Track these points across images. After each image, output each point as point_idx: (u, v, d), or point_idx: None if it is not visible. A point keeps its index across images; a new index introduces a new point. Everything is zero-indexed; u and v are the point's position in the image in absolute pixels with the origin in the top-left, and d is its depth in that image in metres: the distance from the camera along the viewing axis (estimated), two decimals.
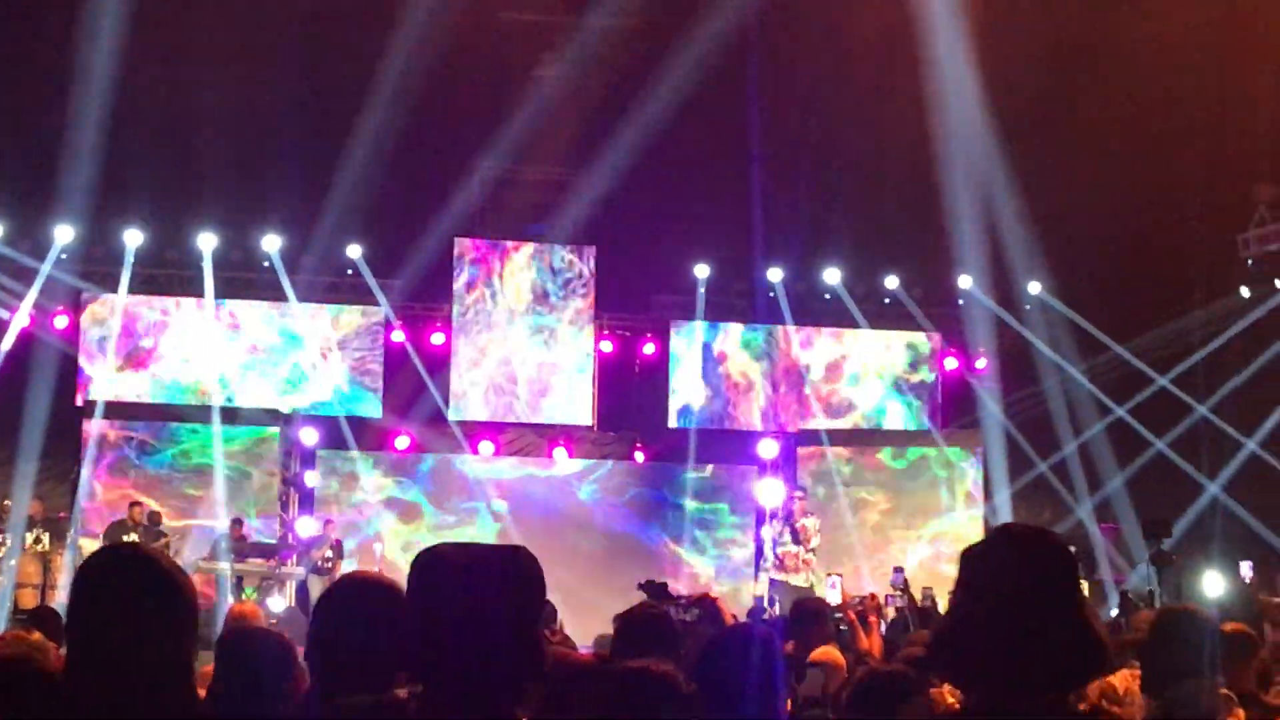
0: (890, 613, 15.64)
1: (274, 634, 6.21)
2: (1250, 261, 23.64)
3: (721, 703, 4.08)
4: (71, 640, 3.31)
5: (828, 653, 8.41)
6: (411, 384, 23.43)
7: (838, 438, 23.63)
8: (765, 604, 19.28)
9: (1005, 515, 22.50)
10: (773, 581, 19.59)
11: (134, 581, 3.27)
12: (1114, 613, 19.04)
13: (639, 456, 24.25)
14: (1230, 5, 20.90)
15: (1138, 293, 23.73)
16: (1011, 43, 20.68)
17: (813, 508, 20.83)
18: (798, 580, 19.26)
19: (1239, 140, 22.31)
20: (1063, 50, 21.15)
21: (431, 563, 3.22)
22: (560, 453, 23.77)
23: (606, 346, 24.55)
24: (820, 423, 24.28)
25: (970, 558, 3.33)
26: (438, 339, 23.75)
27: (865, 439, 24.11)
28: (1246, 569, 19.98)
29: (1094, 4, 21.96)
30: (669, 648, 5.78)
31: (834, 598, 9.75)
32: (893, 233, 23.91)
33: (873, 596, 13.13)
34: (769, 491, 23.13)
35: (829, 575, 17.64)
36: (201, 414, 22.12)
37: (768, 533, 19.99)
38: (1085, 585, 21.18)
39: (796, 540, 19.41)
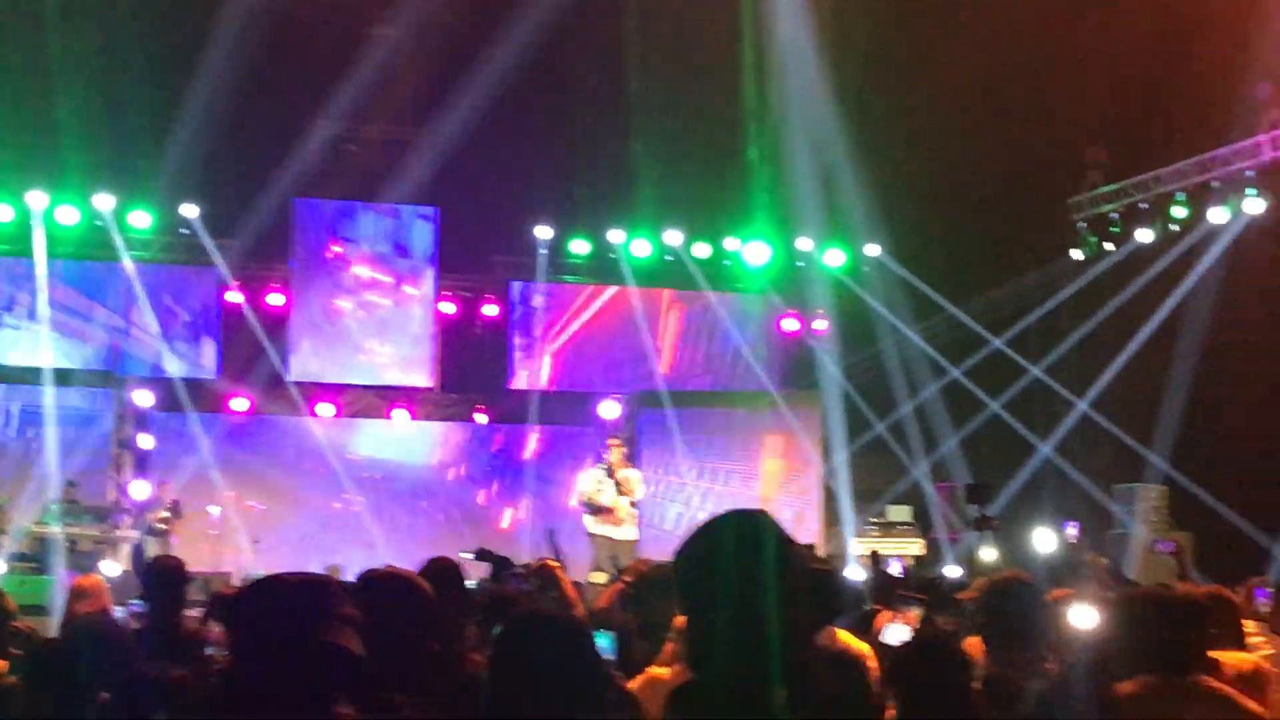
0: None
1: None
2: (1081, 224, 24.05)
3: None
4: None
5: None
6: (249, 346, 23.16)
7: (677, 399, 23.70)
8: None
9: (843, 476, 22.76)
10: (595, 536, 19.28)
11: None
12: (947, 572, 19.39)
13: (481, 418, 24.22)
14: None
15: (973, 255, 24.04)
16: (846, 2, 20.85)
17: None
18: (623, 534, 19.07)
19: (1070, 103, 22.64)
20: (896, 11, 21.35)
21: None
22: (400, 414, 23.67)
23: (448, 307, 24.41)
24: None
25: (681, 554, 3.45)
26: (276, 300, 23.48)
27: (704, 400, 24.24)
28: (1073, 530, 20.37)
29: None
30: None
31: None
32: (734, 195, 23.97)
33: None
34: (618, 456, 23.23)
35: None
36: (31, 375, 21.79)
37: (584, 481, 19.67)
38: (919, 544, 21.63)
39: (620, 492, 19.15)
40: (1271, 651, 7.89)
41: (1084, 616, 6.18)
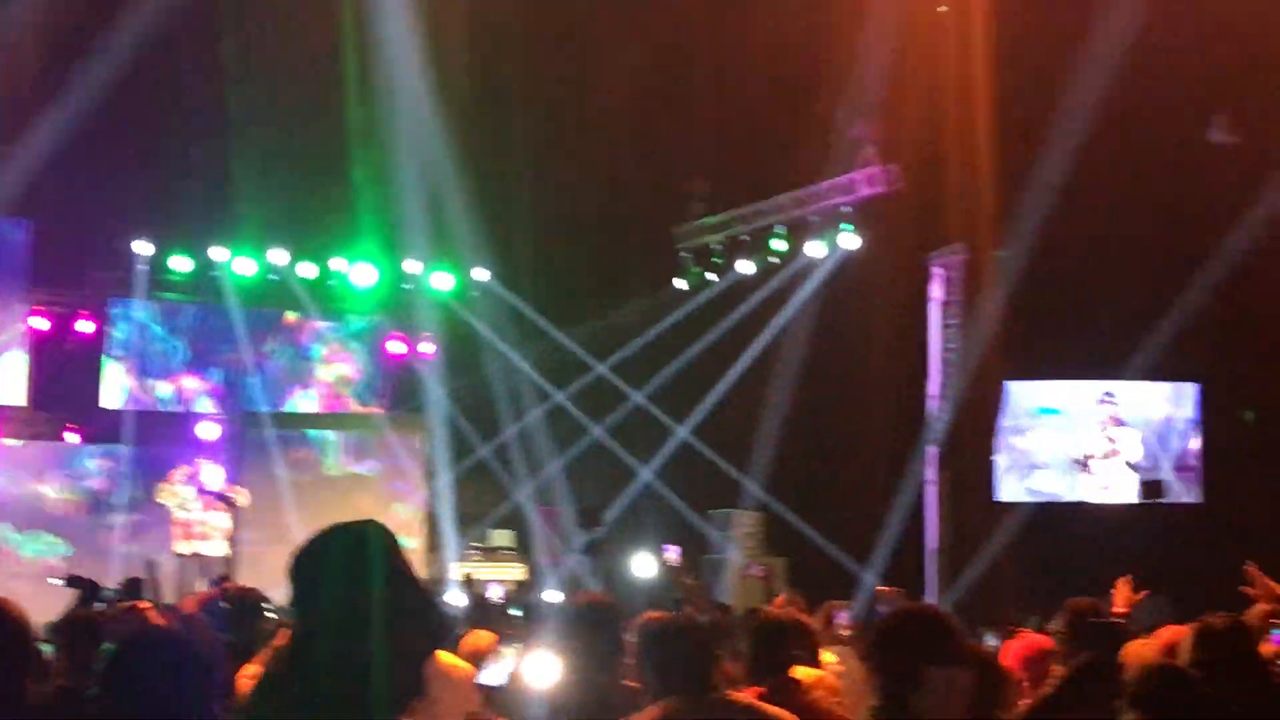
0: None
1: None
2: (685, 254, 24.54)
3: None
4: None
5: None
6: None
7: (280, 420, 23.36)
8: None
9: (446, 500, 22.74)
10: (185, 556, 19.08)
11: None
12: (547, 596, 19.56)
13: (72, 438, 23.39)
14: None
15: (579, 282, 24.31)
16: (458, 21, 20.84)
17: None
18: (211, 549, 18.84)
19: (675, 134, 23.10)
20: (505, 36, 21.44)
21: None
22: None
23: (41, 323, 23.49)
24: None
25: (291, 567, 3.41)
26: None
27: (309, 422, 23.97)
28: (673, 553, 20.78)
29: None
30: None
31: None
32: (341, 215, 23.72)
33: None
34: (212, 477, 22.70)
35: None
36: None
37: (168, 498, 19.43)
38: (521, 569, 21.79)
39: (223, 499, 19.00)
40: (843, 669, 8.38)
41: (540, 671, 6.17)
